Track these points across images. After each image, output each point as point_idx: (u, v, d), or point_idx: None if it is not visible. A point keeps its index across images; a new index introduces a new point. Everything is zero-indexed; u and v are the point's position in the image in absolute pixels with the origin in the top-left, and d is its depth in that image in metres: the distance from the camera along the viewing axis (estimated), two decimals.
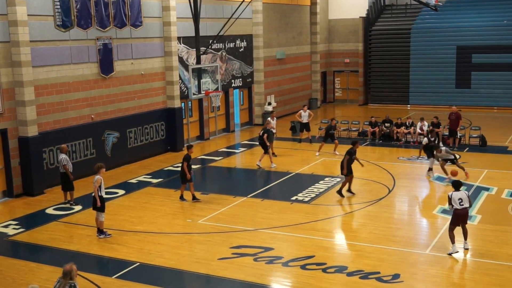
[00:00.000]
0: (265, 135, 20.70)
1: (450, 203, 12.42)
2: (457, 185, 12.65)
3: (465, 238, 12.54)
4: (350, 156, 16.94)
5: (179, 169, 20.75)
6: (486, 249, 12.75)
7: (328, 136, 22.86)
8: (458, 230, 12.52)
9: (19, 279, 11.67)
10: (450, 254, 12.29)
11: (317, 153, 22.83)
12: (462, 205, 12.29)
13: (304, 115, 25.09)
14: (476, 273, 11.60)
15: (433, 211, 15.83)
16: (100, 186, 13.97)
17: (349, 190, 17.22)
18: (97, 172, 14.17)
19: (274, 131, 23.02)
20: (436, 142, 20.86)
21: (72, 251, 13.21)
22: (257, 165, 20.93)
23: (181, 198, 17.01)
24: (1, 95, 17.27)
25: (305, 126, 25.41)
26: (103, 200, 14.06)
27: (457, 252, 12.21)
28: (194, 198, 16.87)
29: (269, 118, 23.42)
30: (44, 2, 18.44)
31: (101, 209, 14.04)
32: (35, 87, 18.06)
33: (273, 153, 22.60)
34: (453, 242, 12.32)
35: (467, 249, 12.50)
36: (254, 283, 11.31)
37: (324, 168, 20.97)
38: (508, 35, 34.46)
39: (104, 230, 14.15)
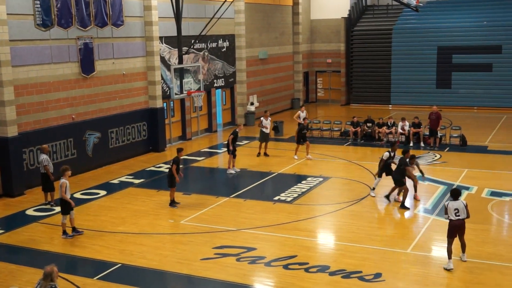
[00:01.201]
0: (231, 137, 20.37)
1: (446, 213, 11.79)
2: (455, 194, 12.05)
3: (463, 251, 11.99)
4: (399, 167, 15.91)
5: (161, 169, 20.77)
6: (467, 248, 12.83)
7: (300, 137, 22.17)
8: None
9: None
10: (445, 269, 11.66)
11: (295, 156, 22.32)
12: (458, 216, 11.66)
13: (302, 116, 24.85)
14: (457, 271, 11.68)
15: (414, 210, 15.98)
16: (66, 189, 13.87)
17: (387, 196, 16.48)
18: (63, 175, 14.06)
19: (267, 131, 22.93)
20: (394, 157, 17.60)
21: (53, 253, 13.12)
22: (232, 171, 20.58)
23: (172, 203, 16.58)
24: None
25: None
26: (66, 203, 13.96)
27: (452, 269, 11.56)
28: (172, 202, 16.65)
29: (262, 118, 23.38)
30: (23, 1, 18.28)
31: (65, 212, 14.01)
32: (14, 87, 17.90)
33: (265, 153, 22.67)
34: (449, 257, 11.68)
35: (464, 261, 11.96)
36: (236, 283, 11.32)
37: (307, 168, 21.02)
38: (488, 36, 34.89)
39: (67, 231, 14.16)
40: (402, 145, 22.28)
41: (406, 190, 15.93)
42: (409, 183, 16.33)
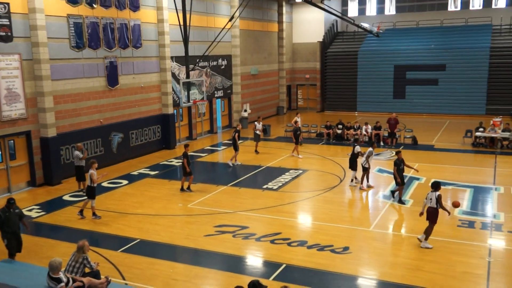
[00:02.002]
0: (236, 134, 20.57)
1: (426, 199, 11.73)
2: (435, 186, 11.71)
3: (425, 233, 11.69)
4: (398, 167, 15.00)
5: (172, 163, 20.80)
6: (417, 226, 12.97)
7: (296, 138, 22.17)
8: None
9: (41, 253, 11.61)
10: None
11: (299, 156, 21.81)
12: (431, 203, 11.54)
13: (298, 121, 24.76)
14: (409, 246, 11.83)
15: (375, 196, 16.09)
16: (94, 179, 13.96)
17: (392, 192, 15.64)
18: (91, 167, 14.12)
19: (258, 132, 23.10)
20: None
21: (84, 230, 13.17)
22: (230, 164, 20.59)
23: (182, 189, 16.72)
24: (26, 103, 17.08)
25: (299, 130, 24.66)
26: (93, 190, 14.05)
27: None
28: (188, 188, 16.70)
29: (255, 122, 23.41)
30: (61, 27, 18.27)
31: (93, 197, 14.10)
32: (54, 96, 17.91)
33: (256, 151, 22.76)
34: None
35: (419, 239, 11.77)
36: (233, 255, 11.42)
37: (290, 162, 21.11)
38: (434, 56, 35.16)
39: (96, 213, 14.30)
40: (366, 144, 22.37)
41: (402, 187, 15.37)
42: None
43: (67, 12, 18.49)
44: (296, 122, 24.28)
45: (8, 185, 16.99)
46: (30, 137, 17.44)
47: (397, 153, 15.52)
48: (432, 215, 11.63)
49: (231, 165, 20.52)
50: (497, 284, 9.82)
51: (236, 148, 20.54)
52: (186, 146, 16.95)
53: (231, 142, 21.40)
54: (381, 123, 25.50)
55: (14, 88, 16.64)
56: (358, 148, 17.32)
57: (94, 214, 14.14)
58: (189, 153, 16.92)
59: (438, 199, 11.49)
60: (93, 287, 8.24)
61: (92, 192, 14.02)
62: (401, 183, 15.09)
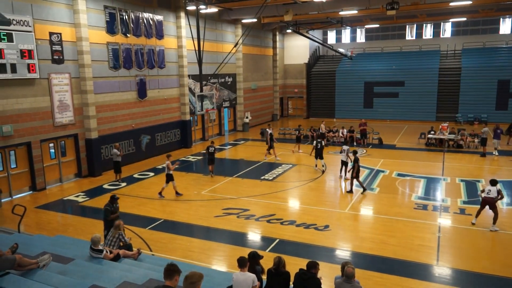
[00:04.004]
0: (269, 137, 20.40)
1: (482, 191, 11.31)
2: (493, 183, 11.21)
3: (493, 222, 11.10)
4: (357, 162, 14.82)
5: (189, 159, 20.67)
6: (382, 209, 13.00)
7: (298, 140, 22.33)
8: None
9: (86, 230, 11.62)
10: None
11: (300, 151, 22.14)
12: (489, 194, 11.06)
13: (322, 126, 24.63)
14: (376, 224, 11.85)
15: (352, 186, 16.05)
16: (170, 167, 14.38)
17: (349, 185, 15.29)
18: (167, 159, 14.60)
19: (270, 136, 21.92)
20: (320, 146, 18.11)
21: (120, 212, 13.01)
22: (276, 159, 20.34)
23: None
24: (74, 112, 17.05)
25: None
26: (171, 176, 14.50)
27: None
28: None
29: (266, 129, 22.16)
30: (102, 52, 18.24)
31: (172, 179, 14.49)
32: (96, 106, 17.88)
33: (269, 152, 21.34)
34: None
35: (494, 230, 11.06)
36: (238, 231, 11.42)
37: (282, 158, 21.06)
38: (395, 75, 35.16)
39: (177, 191, 14.71)
40: (342, 143, 22.37)
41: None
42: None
43: (107, 40, 18.45)
44: (316, 129, 23.62)
45: (60, 176, 16.96)
46: (77, 139, 17.42)
47: (355, 152, 15.27)
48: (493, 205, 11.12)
49: (278, 159, 20.27)
50: (445, 254, 9.82)
51: (271, 145, 20.26)
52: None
53: (263, 139, 21.49)
54: (354, 127, 25.50)
55: (65, 100, 16.61)
56: (323, 143, 18.29)
57: (176, 192, 14.55)
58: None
59: (499, 192, 11.02)
60: (127, 257, 8.22)
61: (170, 177, 14.40)
62: (356, 176, 14.82)
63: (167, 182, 14.55)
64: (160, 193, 14.64)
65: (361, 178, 16.72)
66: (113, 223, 9.04)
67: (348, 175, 16.38)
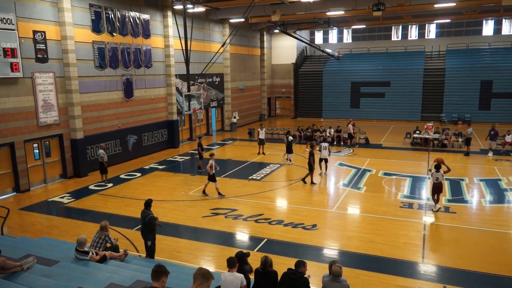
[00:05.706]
0: (287, 141, 19.45)
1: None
2: (436, 167, 12.47)
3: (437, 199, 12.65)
4: (312, 156, 15.63)
5: (176, 159, 20.56)
6: (369, 208, 13.10)
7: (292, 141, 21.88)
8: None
9: (71, 232, 11.45)
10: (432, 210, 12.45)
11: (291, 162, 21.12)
12: (437, 180, 12.34)
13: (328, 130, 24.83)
14: (363, 223, 11.93)
15: (337, 184, 16.14)
16: (211, 166, 14.26)
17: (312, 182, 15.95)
18: (210, 158, 14.52)
19: (262, 137, 21.59)
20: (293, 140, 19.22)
21: (106, 213, 13.00)
22: (290, 163, 19.55)
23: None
24: (59, 111, 16.79)
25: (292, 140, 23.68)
26: (214, 176, 14.42)
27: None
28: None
29: (259, 129, 22.00)
30: (87, 51, 18.00)
31: (213, 180, 14.36)
32: (81, 106, 17.65)
33: (263, 153, 21.46)
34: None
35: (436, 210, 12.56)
36: (226, 231, 11.38)
37: (269, 158, 21.10)
38: (381, 75, 35.52)
39: (220, 192, 14.53)
40: (330, 143, 22.47)
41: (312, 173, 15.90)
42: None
43: (92, 39, 18.22)
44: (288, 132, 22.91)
45: (45, 177, 16.69)
46: (62, 139, 17.16)
47: (312, 146, 15.93)
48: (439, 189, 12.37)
49: (291, 163, 19.46)
50: (430, 252, 9.95)
51: (290, 150, 19.46)
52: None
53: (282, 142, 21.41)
54: (342, 127, 25.65)
55: (49, 99, 16.35)
56: (290, 138, 19.08)
57: (219, 193, 14.39)
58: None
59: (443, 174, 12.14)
60: (113, 258, 8.12)
61: (213, 177, 14.36)
62: (310, 169, 15.65)
63: (213, 181, 14.36)
64: (204, 192, 14.65)
65: (347, 178, 16.85)
66: (155, 231, 8.97)
67: (327, 172, 17.14)
